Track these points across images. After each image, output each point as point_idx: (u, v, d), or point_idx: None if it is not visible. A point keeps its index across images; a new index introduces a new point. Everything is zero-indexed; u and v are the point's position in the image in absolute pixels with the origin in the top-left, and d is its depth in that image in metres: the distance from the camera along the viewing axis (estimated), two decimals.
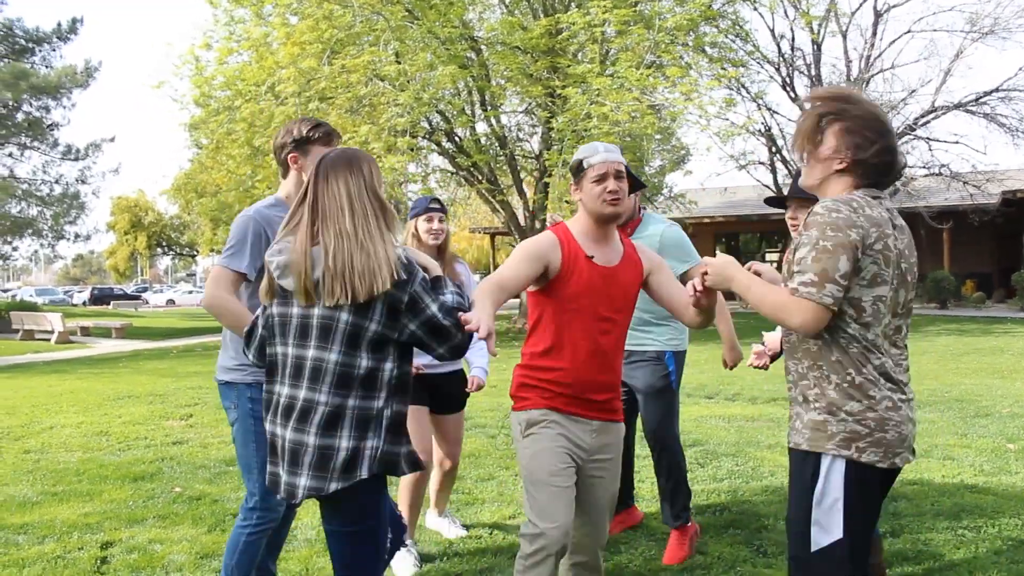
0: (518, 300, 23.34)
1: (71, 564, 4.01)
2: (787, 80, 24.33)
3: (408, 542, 3.98)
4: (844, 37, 24.25)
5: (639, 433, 4.28)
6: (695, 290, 2.49)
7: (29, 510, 5.02)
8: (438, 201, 4.17)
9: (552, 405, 2.77)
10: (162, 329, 27.21)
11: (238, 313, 2.93)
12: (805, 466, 2.24)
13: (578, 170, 2.84)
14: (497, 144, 19.87)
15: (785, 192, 3.69)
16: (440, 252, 4.15)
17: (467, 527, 4.45)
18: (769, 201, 3.80)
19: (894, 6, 24.28)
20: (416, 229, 4.11)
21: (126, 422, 8.01)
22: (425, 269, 2.44)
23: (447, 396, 4.17)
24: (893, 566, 3.75)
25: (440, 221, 4.12)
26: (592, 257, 2.78)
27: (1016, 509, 4.51)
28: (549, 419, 2.76)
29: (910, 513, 4.49)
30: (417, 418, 3.97)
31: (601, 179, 2.76)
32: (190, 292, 54.54)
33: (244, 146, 16.66)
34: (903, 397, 2.24)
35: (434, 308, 2.33)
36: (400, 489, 4.12)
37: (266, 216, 3.07)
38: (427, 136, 19.49)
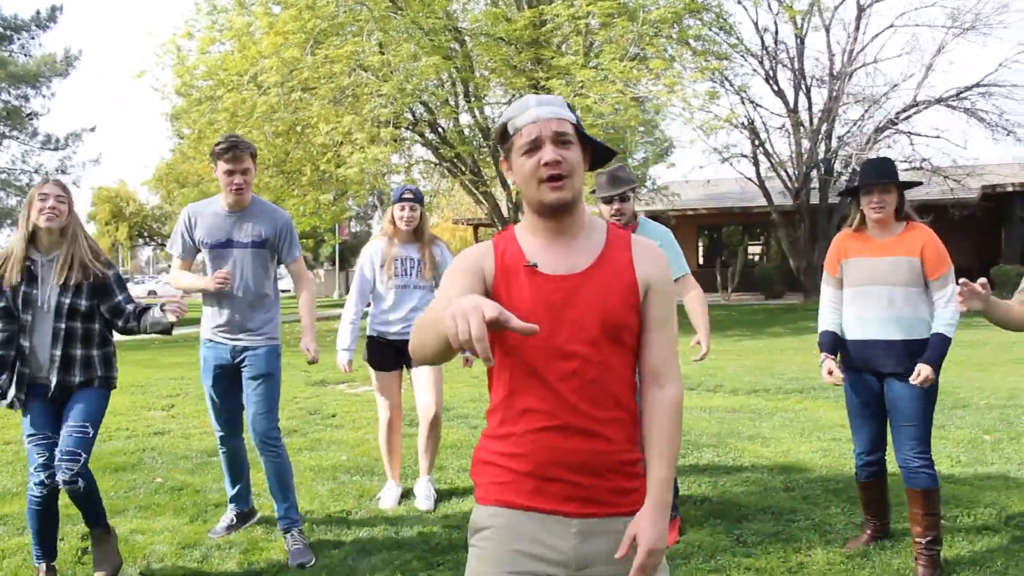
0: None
1: None
2: (770, 73, 24.40)
3: (391, 482, 4.79)
4: (827, 31, 24.32)
5: None
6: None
7: (9, 501, 5.00)
8: (411, 191, 4.67)
9: (505, 499, 1.85)
10: None
11: (185, 283, 4.20)
12: None
13: (503, 138, 1.87)
14: (480, 135, 19.83)
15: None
16: (417, 235, 4.68)
17: (437, 500, 4.79)
18: (845, 193, 3.92)
19: (877, 1, 24.43)
20: (392, 215, 4.66)
21: (107, 412, 7.95)
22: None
23: None
24: (871, 555, 3.81)
25: (412, 209, 4.63)
26: (535, 265, 1.82)
27: (991, 499, 4.58)
28: (497, 525, 1.86)
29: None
30: (388, 383, 4.74)
31: (532, 148, 1.78)
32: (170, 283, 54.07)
33: None
34: None
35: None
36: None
37: (194, 209, 4.07)
38: (410, 127, 19.43)
